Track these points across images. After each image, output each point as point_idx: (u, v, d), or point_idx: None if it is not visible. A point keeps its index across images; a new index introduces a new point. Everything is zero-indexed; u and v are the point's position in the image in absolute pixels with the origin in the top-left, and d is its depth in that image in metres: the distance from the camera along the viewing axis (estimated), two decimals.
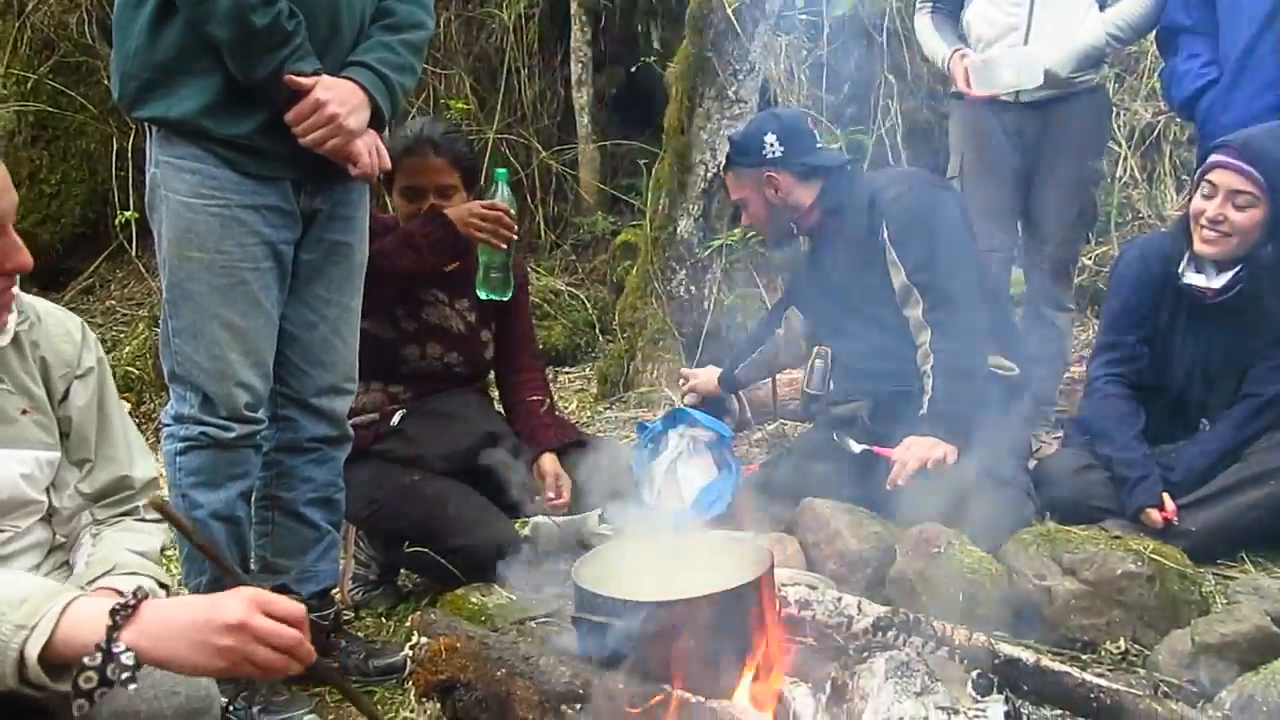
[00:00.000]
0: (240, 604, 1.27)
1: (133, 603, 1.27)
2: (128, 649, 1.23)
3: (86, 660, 1.22)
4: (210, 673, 1.29)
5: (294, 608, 1.30)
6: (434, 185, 2.80)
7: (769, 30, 4.63)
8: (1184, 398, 2.94)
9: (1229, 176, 2.72)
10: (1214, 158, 2.77)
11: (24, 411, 1.75)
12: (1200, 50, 3.24)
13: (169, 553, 2.49)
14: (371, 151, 2.15)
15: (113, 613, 1.25)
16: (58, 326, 1.82)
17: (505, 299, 2.84)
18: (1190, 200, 2.85)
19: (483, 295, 2.82)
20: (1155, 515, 2.68)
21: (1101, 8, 3.51)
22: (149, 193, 2.15)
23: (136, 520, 1.90)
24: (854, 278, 3.05)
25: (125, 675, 1.22)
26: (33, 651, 1.23)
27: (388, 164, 2.23)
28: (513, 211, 2.76)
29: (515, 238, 2.78)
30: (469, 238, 2.73)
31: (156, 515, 1.94)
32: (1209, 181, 2.76)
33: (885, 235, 2.95)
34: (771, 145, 3.09)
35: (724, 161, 3.28)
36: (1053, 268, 3.75)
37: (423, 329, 2.86)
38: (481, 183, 3.00)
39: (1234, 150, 2.73)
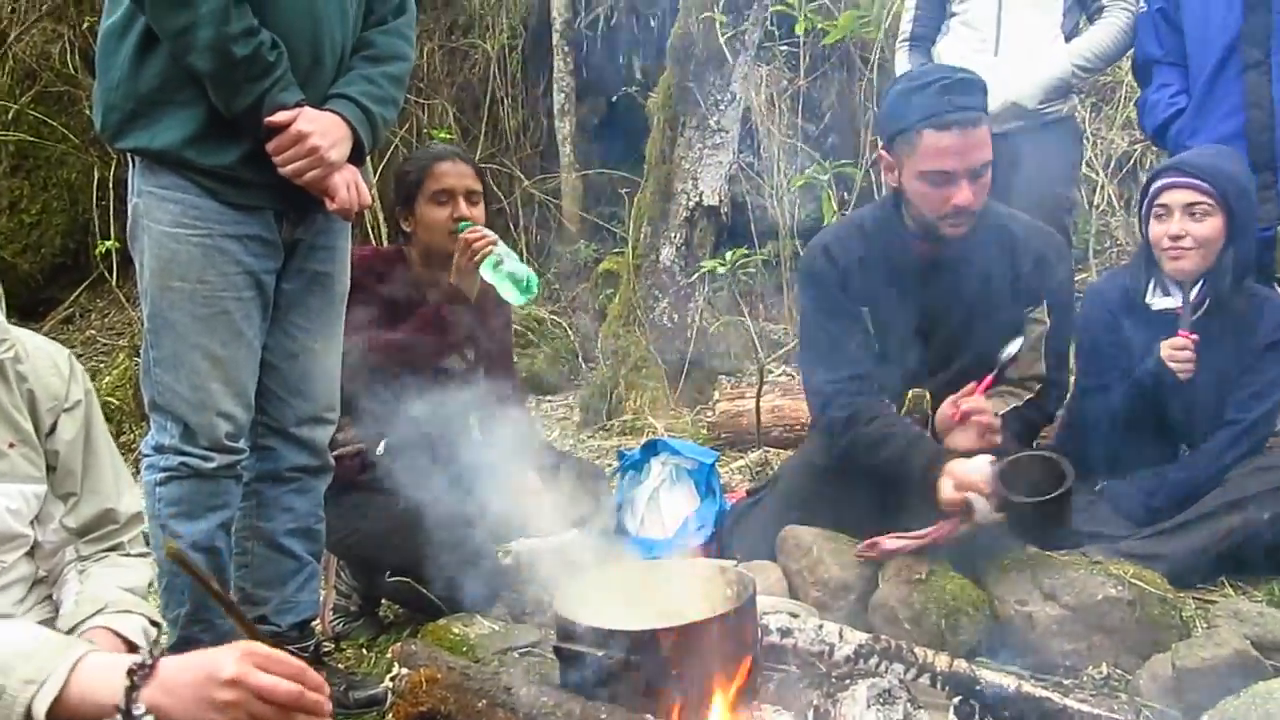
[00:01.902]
0: (234, 659, 1.26)
1: (150, 662, 1.26)
2: (147, 711, 1.22)
3: None
4: None
5: (290, 663, 1.28)
6: (464, 189, 2.81)
7: (749, 60, 4.68)
8: (1164, 423, 2.96)
9: (1179, 194, 2.81)
10: (1158, 183, 2.86)
11: (11, 445, 1.74)
12: (1171, 80, 3.32)
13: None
14: (350, 187, 2.15)
15: (130, 673, 1.24)
16: (45, 359, 1.82)
17: (535, 290, 2.78)
18: (1145, 229, 2.92)
19: (522, 300, 2.78)
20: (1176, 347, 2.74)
21: (1068, 39, 3.57)
22: (131, 222, 2.15)
23: (122, 555, 1.88)
24: (977, 313, 2.68)
25: None
26: (40, 708, 1.22)
27: (367, 200, 2.23)
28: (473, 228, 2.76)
29: (493, 238, 2.76)
30: (465, 268, 2.73)
31: (143, 549, 1.94)
32: (1160, 205, 2.84)
33: (1040, 299, 2.68)
34: None
35: (971, 107, 2.55)
36: None
37: (427, 373, 2.84)
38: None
39: (1175, 170, 2.84)
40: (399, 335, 2.74)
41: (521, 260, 2.79)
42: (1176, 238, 2.80)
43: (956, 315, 2.70)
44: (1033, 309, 2.69)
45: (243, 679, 1.24)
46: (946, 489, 2.40)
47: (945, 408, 2.60)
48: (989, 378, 2.60)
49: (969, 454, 2.45)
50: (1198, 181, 2.79)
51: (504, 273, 2.73)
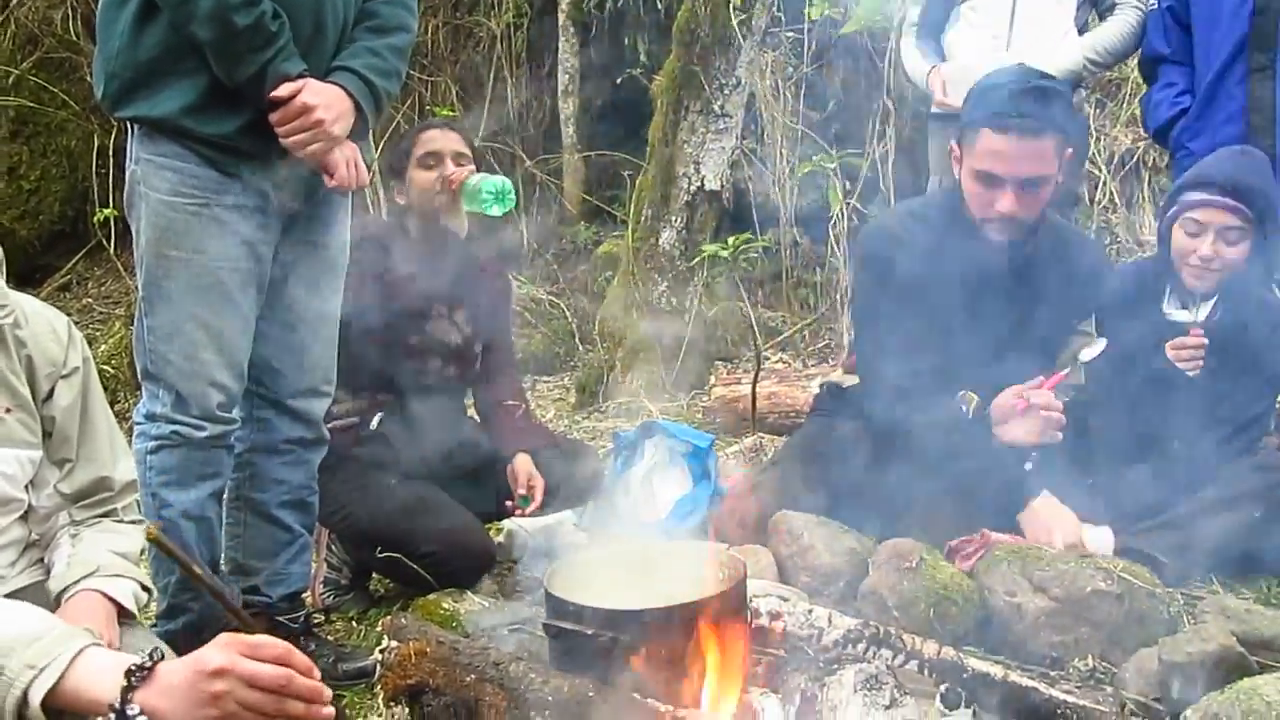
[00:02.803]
0: (219, 650, 1.25)
1: (149, 664, 1.25)
2: (141, 712, 1.22)
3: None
4: None
5: (275, 647, 1.27)
6: (451, 151, 2.81)
7: (755, 46, 4.66)
8: (1159, 422, 2.96)
9: (1217, 214, 2.73)
10: (1196, 195, 2.76)
11: (7, 410, 1.74)
12: (1177, 80, 3.31)
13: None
14: (350, 165, 2.15)
15: (128, 673, 1.24)
16: (44, 325, 1.81)
17: (511, 198, 2.70)
18: (1166, 235, 2.86)
19: (500, 210, 2.69)
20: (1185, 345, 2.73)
21: (1080, 33, 3.57)
22: (128, 190, 2.14)
23: (115, 521, 1.88)
24: (1035, 320, 2.69)
25: None
26: (37, 694, 1.22)
27: (365, 180, 2.23)
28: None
29: (468, 168, 2.75)
30: (447, 204, 2.73)
31: (136, 516, 1.94)
32: (1194, 220, 2.76)
33: (1090, 312, 2.75)
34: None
35: (1035, 115, 2.49)
36: None
37: (425, 345, 2.86)
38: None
39: (1217, 187, 2.74)
40: (389, 276, 2.73)
41: (509, 182, 2.75)
42: (1207, 259, 2.74)
43: (1013, 315, 2.68)
44: (1081, 321, 2.71)
45: (229, 668, 1.23)
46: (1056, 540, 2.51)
47: (1008, 396, 2.57)
48: (1060, 374, 2.60)
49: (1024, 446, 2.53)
50: (1240, 206, 2.71)
51: (481, 194, 2.69)
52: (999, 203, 2.51)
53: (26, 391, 1.77)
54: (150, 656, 1.26)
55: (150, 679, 1.24)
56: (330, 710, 1.29)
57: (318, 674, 1.29)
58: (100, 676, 1.24)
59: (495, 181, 2.69)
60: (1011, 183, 2.50)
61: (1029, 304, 2.69)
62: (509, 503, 2.88)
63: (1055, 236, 2.72)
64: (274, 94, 2.01)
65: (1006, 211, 2.51)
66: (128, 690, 1.22)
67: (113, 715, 1.21)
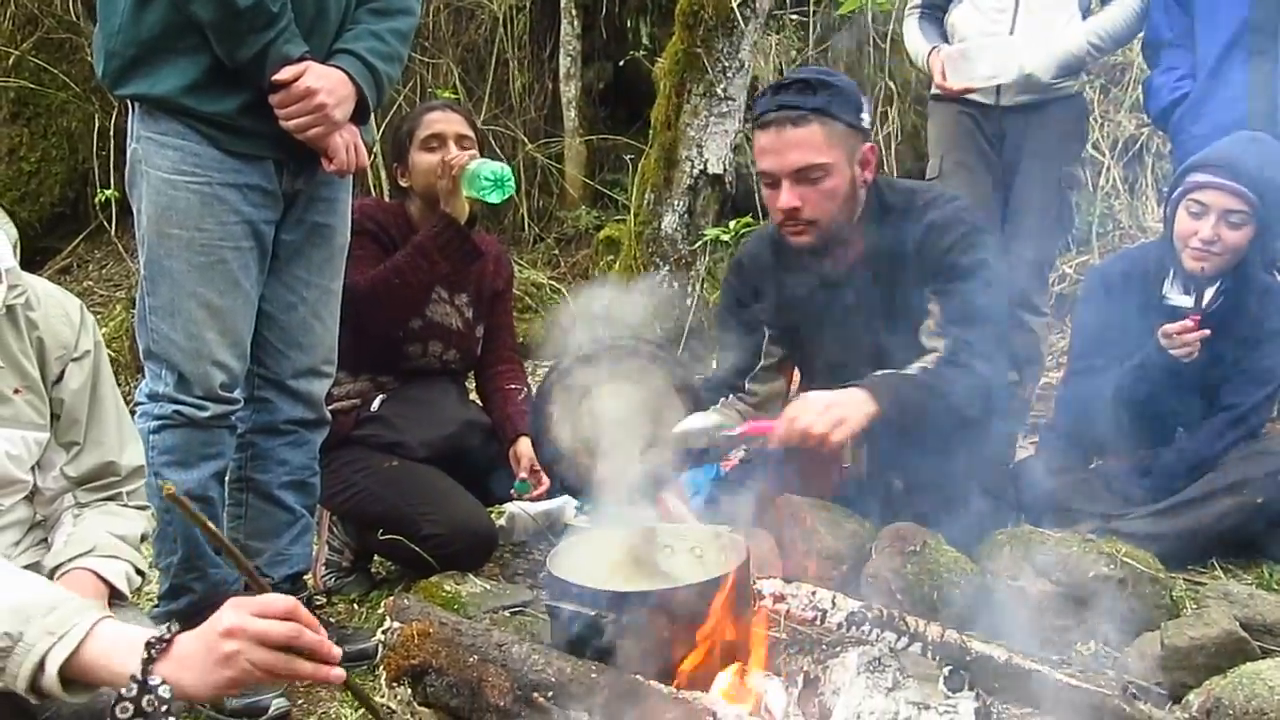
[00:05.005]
0: (230, 610, 1.27)
1: (168, 637, 1.27)
2: (164, 682, 1.23)
3: (123, 691, 1.22)
4: (225, 686, 1.26)
5: (282, 605, 1.28)
6: (454, 133, 2.80)
7: (759, 28, 4.63)
8: (1160, 407, 2.96)
9: (1221, 197, 2.72)
10: (1201, 177, 2.75)
11: (17, 390, 1.74)
12: (1178, 63, 3.29)
13: None
14: (349, 148, 2.14)
15: (149, 645, 1.25)
16: (57, 308, 1.81)
17: (510, 186, 2.67)
18: (1171, 218, 2.85)
19: (499, 197, 2.66)
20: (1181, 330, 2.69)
21: (1084, 16, 3.55)
22: (129, 168, 2.13)
23: (120, 505, 1.88)
24: (883, 323, 2.53)
25: (163, 708, 1.23)
26: (54, 661, 1.23)
27: (364, 163, 2.22)
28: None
29: (469, 153, 2.74)
30: (449, 190, 2.70)
31: (141, 502, 1.94)
32: (1197, 201, 2.75)
33: (928, 290, 2.49)
34: (865, 113, 2.50)
35: (793, 105, 2.40)
36: (1029, 272, 3.77)
37: (426, 328, 2.85)
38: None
39: (1221, 169, 2.72)
40: (385, 264, 2.71)
41: (510, 170, 2.72)
42: (1208, 242, 2.73)
43: (848, 332, 2.55)
44: (932, 290, 2.48)
45: (240, 627, 1.25)
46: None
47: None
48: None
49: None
50: (1244, 190, 2.69)
51: (480, 180, 2.66)
52: (779, 200, 2.42)
53: (36, 373, 1.77)
54: (169, 629, 1.28)
55: (168, 650, 1.26)
56: (340, 671, 1.30)
57: (323, 631, 1.30)
58: (118, 648, 1.25)
59: (494, 168, 2.66)
60: (784, 176, 2.40)
61: (869, 300, 2.54)
62: (512, 489, 2.88)
63: (888, 221, 2.54)
64: (276, 77, 2.00)
65: (787, 207, 2.41)
66: (148, 662, 1.24)
67: (135, 686, 1.22)
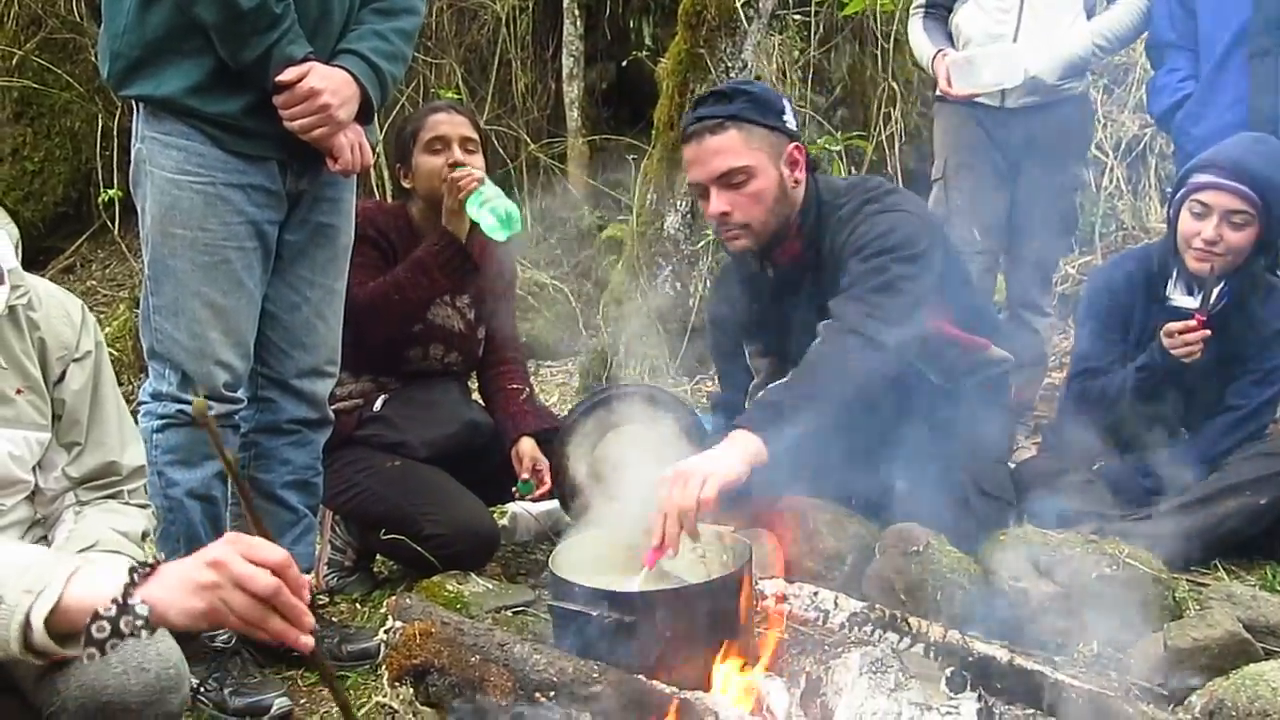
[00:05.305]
0: (221, 544, 1.27)
1: (151, 563, 1.28)
2: (142, 601, 1.24)
3: (101, 610, 1.22)
4: (198, 617, 1.25)
5: (274, 551, 1.27)
6: (459, 136, 2.78)
7: (762, 28, 4.63)
8: (1163, 408, 2.95)
9: (1224, 197, 2.71)
10: (1204, 178, 2.75)
11: (19, 391, 1.74)
12: (1181, 64, 3.30)
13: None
14: (354, 148, 2.14)
15: (131, 570, 1.26)
16: (58, 308, 1.81)
17: (517, 226, 2.68)
18: (1175, 219, 2.84)
19: (504, 236, 2.66)
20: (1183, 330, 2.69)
21: (1089, 17, 3.55)
22: (134, 168, 2.13)
23: (121, 503, 1.88)
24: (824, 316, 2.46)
25: (139, 624, 1.23)
26: (39, 615, 1.23)
27: (369, 161, 2.22)
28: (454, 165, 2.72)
29: (479, 175, 2.71)
30: (453, 209, 2.70)
31: (142, 500, 1.94)
32: (1200, 202, 2.74)
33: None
34: (789, 115, 2.51)
35: (709, 115, 2.43)
36: (1033, 272, 3.78)
37: (427, 331, 2.84)
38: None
39: (1224, 170, 2.72)
40: (385, 278, 2.72)
41: (518, 209, 2.71)
42: (1211, 242, 2.72)
43: (805, 333, 2.47)
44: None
45: (225, 563, 1.24)
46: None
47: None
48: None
49: None
50: (1247, 190, 2.69)
51: (487, 208, 2.65)
52: (709, 207, 2.45)
53: (38, 373, 1.77)
54: (155, 558, 1.30)
55: (152, 575, 1.27)
56: (309, 639, 1.29)
57: (308, 596, 1.30)
58: (99, 586, 1.26)
59: (503, 207, 2.64)
60: (710, 184, 2.43)
61: (817, 296, 2.51)
62: (514, 489, 2.88)
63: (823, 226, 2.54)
64: (280, 78, 2.00)
65: (714, 213, 2.45)
66: (130, 585, 1.24)
67: (114, 607, 1.23)
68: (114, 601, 1.23)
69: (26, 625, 1.23)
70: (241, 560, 1.24)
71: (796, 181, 2.50)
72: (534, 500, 2.93)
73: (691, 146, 2.46)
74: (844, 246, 2.46)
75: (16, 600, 1.24)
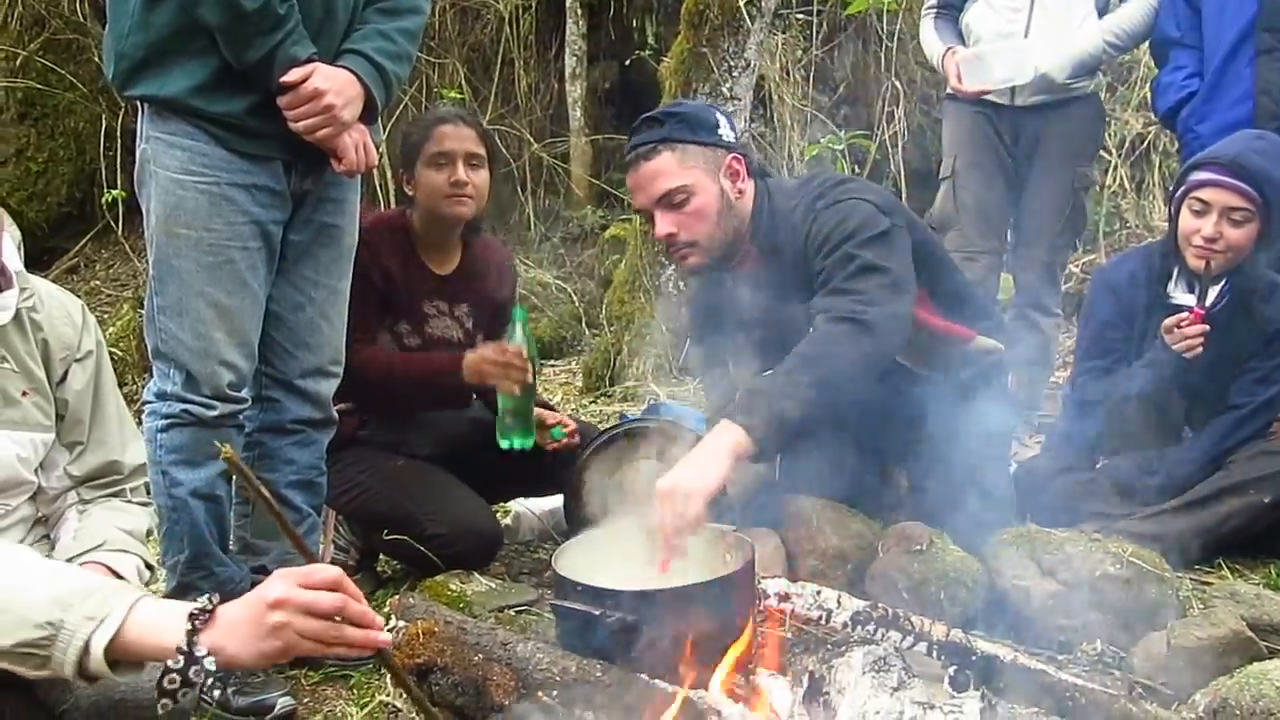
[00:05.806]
0: (279, 580, 1.28)
1: (210, 608, 1.28)
2: (209, 653, 1.25)
3: (170, 664, 1.23)
4: (274, 656, 1.27)
5: (328, 573, 1.29)
6: (464, 151, 2.73)
7: (765, 28, 4.63)
8: (1167, 407, 2.95)
9: (1223, 194, 2.71)
10: (1203, 175, 2.74)
11: (24, 393, 1.75)
12: (1186, 63, 3.30)
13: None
14: (359, 148, 2.14)
15: (192, 616, 1.27)
16: (59, 309, 1.82)
17: (528, 445, 2.71)
18: (1175, 216, 2.84)
19: (503, 444, 2.69)
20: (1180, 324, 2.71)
21: (1100, 15, 3.54)
22: (138, 168, 2.13)
23: (123, 501, 1.89)
24: (794, 320, 2.47)
25: (209, 680, 1.24)
26: (99, 643, 1.24)
27: (374, 161, 2.22)
28: (526, 353, 2.66)
29: (530, 382, 2.68)
30: (480, 383, 2.69)
31: (144, 499, 1.94)
32: (1200, 199, 2.74)
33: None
34: (724, 128, 2.52)
35: (642, 142, 2.48)
36: (1040, 272, 3.77)
37: (426, 344, 2.83)
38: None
39: (1224, 167, 2.71)
40: (388, 359, 2.74)
41: (531, 442, 2.72)
42: (1210, 240, 2.72)
43: (774, 338, 2.50)
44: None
45: (288, 599, 1.25)
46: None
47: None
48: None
49: None
50: (1246, 187, 2.68)
51: (508, 408, 2.67)
52: (655, 230, 2.50)
53: (42, 374, 1.78)
54: (210, 600, 1.29)
55: (212, 620, 1.27)
56: (387, 636, 1.31)
57: (365, 601, 1.32)
58: (161, 623, 1.27)
59: (517, 438, 2.67)
60: (653, 208, 2.48)
61: (780, 300, 2.54)
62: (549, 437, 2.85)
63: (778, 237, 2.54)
64: (284, 79, 2.00)
65: (661, 235, 2.49)
66: (192, 633, 1.25)
67: (181, 658, 1.24)
68: (179, 651, 1.24)
69: (85, 652, 1.24)
70: (300, 590, 1.26)
71: (740, 192, 2.52)
72: (564, 446, 2.87)
73: (631, 175, 2.52)
74: (805, 248, 2.47)
75: (77, 625, 1.25)
